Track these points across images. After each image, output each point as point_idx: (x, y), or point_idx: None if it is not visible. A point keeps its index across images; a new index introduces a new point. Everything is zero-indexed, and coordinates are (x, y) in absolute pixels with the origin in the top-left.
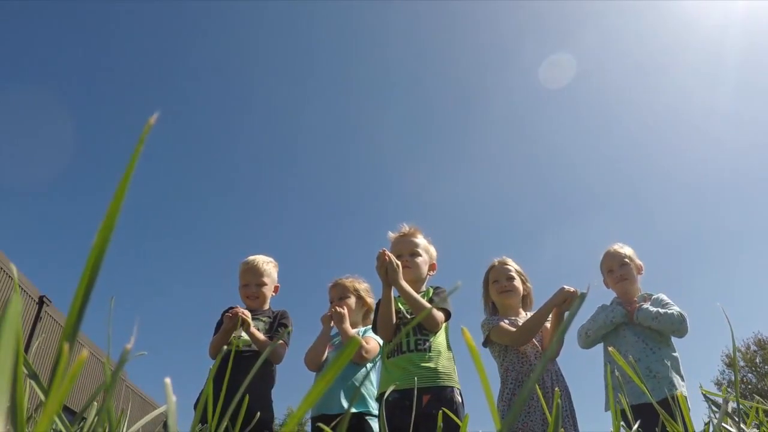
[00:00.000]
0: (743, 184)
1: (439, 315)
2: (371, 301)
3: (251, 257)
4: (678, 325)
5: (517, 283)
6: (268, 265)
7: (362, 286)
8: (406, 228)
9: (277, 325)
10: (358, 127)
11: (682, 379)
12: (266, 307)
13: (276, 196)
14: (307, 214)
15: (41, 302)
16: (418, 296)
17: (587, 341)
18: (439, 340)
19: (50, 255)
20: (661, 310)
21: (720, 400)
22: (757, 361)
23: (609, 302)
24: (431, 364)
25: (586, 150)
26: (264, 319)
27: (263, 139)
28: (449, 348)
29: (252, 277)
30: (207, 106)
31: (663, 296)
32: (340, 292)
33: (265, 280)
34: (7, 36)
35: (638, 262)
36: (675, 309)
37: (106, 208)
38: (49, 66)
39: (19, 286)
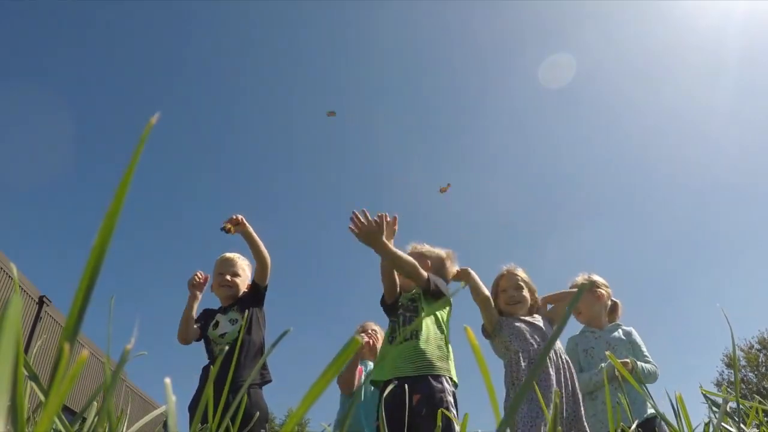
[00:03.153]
0: (744, 183)
1: (423, 273)
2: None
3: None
4: (653, 381)
5: (526, 293)
6: (243, 260)
7: (378, 328)
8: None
9: (248, 293)
10: (355, 128)
11: (652, 399)
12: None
13: (274, 195)
14: (305, 214)
15: (41, 302)
16: (402, 253)
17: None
18: (429, 324)
19: (50, 255)
20: (647, 368)
21: (719, 400)
22: (761, 359)
23: (578, 332)
24: (421, 349)
25: (585, 149)
26: (234, 308)
27: (262, 139)
28: (442, 333)
29: (226, 267)
30: (205, 106)
31: (636, 336)
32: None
33: (239, 272)
34: (7, 35)
35: (603, 291)
36: (651, 363)
37: (106, 208)
38: (49, 65)
39: (19, 286)
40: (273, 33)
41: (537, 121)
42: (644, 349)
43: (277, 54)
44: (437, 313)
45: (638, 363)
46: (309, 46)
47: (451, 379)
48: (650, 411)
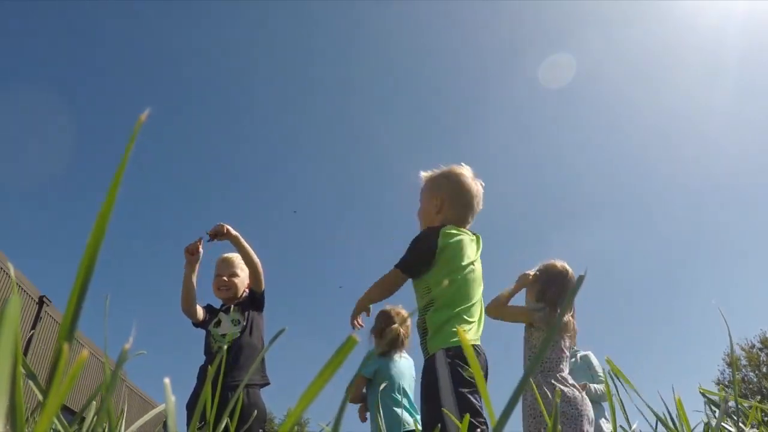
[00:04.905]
0: (744, 182)
1: (390, 276)
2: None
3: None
4: (605, 400)
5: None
6: (241, 260)
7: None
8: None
9: (247, 297)
10: (358, 128)
11: (607, 421)
12: (237, 300)
13: (276, 195)
14: (308, 214)
15: (41, 302)
16: (370, 289)
17: None
18: (419, 294)
19: (50, 255)
20: (599, 388)
21: (718, 400)
22: (762, 359)
23: None
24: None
25: (584, 150)
26: (235, 308)
27: (264, 139)
28: (426, 295)
29: (225, 268)
30: (208, 106)
31: (593, 359)
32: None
33: (238, 272)
34: (8, 35)
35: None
36: (603, 383)
37: (100, 204)
38: (50, 66)
39: (19, 286)
40: (280, 35)
41: (537, 122)
42: (599, 370)
43: (281, 58)
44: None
45: (591, 385)
46: (312, 50)
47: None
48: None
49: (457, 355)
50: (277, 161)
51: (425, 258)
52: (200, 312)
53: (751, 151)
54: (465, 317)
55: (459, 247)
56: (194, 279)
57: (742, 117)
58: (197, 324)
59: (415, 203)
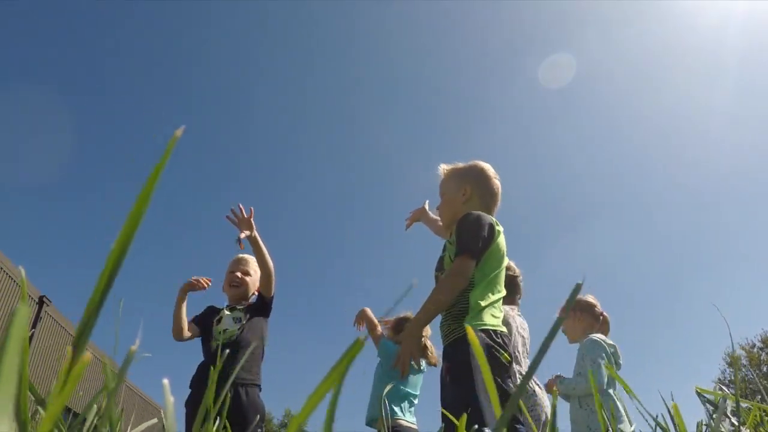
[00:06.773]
0: (745, 182)
1: (463, 266)
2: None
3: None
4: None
5: None
6: (256, 262)
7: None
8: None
9: (256, 302)
10: (357, 128)
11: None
12: (245, 301)
13: (280, 197)
14: (311, 215)
15: (41, 302)
16: (428, 305)
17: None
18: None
19: (50, 255)
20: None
21: (718, 401)
22: (762, 358)
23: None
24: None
25: (584, 150)
26: (240, 308)
27: (267, 139)
28: (477, 285)
29: (238, 265)
30: (207, 107)
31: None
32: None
33: (250, 271)
34: (9, 36)
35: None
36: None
37: (125, 213)
38: (51, 67)
39: (19, 285)
40: (280, 35)
41: (537, 122)
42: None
43: (281, 59)
44: None
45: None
46: (312, 50)
47: (489, 331)
48: None
49: (490, 337)
50: (277, 161)
51: (489, 243)
52: (195, 331)
53: (751, 151)
54: (497, 306)
55: (503, 237)
56: (184, 309)
57: (742, 117)
58: (197, 336)
59: (415, 202)
